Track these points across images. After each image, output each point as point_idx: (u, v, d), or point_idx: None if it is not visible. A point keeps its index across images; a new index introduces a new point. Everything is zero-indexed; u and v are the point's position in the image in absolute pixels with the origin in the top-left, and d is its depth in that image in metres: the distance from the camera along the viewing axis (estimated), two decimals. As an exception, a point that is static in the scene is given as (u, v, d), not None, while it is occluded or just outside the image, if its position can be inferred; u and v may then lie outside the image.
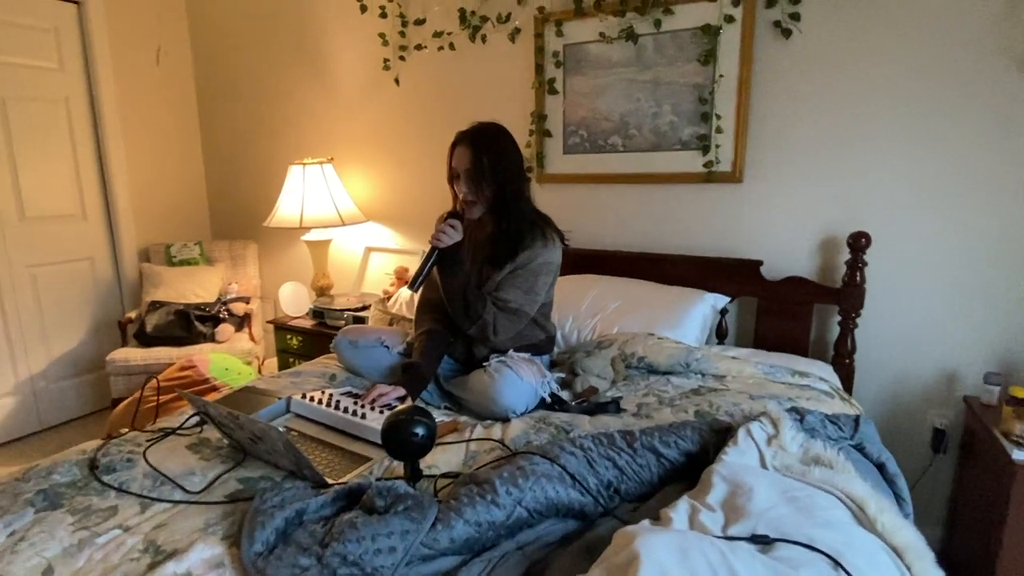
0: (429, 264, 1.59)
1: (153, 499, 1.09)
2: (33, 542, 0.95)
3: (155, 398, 2.48)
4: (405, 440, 1.09)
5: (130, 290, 3.18)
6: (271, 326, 2.89)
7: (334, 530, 0.91)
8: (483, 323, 1.61)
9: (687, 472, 1.14)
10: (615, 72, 2.25)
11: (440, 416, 1.48)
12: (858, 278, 1.90)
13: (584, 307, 2.09)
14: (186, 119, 3.39)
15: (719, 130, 2.08)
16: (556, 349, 2.04)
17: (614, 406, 1.53)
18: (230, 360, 2.63)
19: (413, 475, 1.17)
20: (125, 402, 2.54)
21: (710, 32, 2.03)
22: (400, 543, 0.89)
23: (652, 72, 2.18)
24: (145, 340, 2.79)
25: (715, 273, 2.14)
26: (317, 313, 2.70)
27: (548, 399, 1.56)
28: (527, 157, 2.45)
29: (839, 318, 1.95)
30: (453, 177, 1.64)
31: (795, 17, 1.92)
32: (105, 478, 1.15)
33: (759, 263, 2.07)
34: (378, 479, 1.21)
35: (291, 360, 2.75)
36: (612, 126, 2.29)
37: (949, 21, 1.75)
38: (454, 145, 1.63)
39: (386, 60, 2.71)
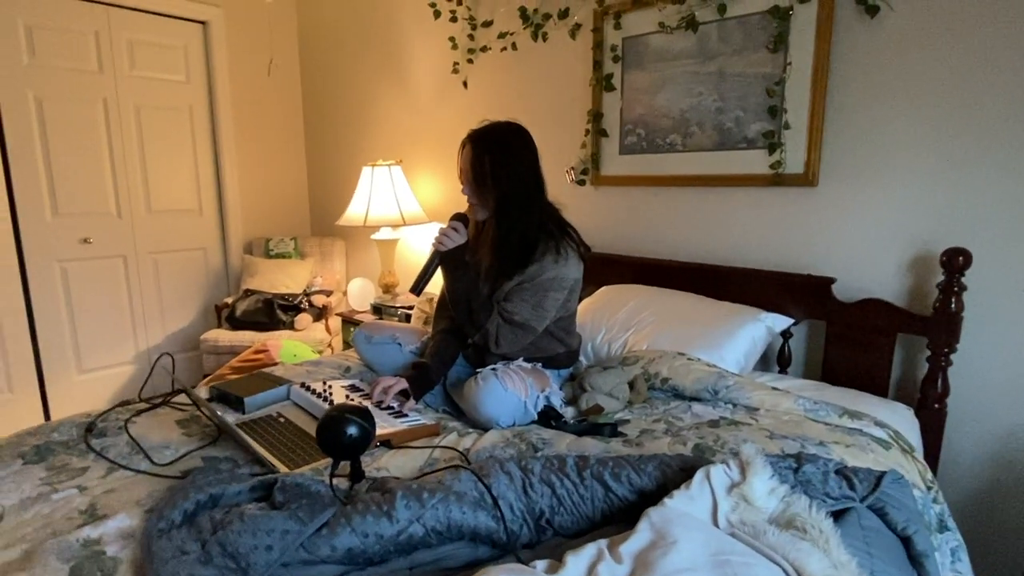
0: (431, 268, 1.55)
1: (120, 465, 1.17)
2: (1, 489, 1.06)
3: (227, 374, 2.73)
4: (336, 438, 1.06)
5: (235, 278, 3.54)
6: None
7: (226, 519, 0.90)
8: (485, 333, 1.54)
9: (639, 512, 0.97)
10: (675, 65, 2.06)
11: (423, 419, 1.43)
12: (953, 305, 1.54)
13: (618, 319, 1.93)
14: (292, 124, 3.70)
15: (787, 126, 1.81)
16: (584, 362, 1.91)
17: (610, 429, 1.38)
18: (300, 347, 2.81)
19: (354, 475, 1.13)
20: (207, 378, 2.82)
21: (779, 14, 1.77)
22: (278, 543, 0.85)
23: (716, 63, 1.96)
24: (234, 323, 3.08)
25: (778, 290, 1.86)
26: (376, 309, 2.79)
27: (535, 415, 1.45)
28: (582, 158, 2.35)
29: (928, 353, 1.60)
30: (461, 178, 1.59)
31: (885, -10, 1.61)
32: (93, 441, 1.25)
33: (831, 281, 1.77)
34: (332, 475, 1.20)
35: (353, 352, 2.87)
36: (671, 123, 2.10)
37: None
38: (463, 144, 1.57)
39: (455, 64, 2.74)
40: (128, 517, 0.98)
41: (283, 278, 3.32)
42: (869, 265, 1.74)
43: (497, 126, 1.56)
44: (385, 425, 1.35)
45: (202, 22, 3.25)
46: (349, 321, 2.90)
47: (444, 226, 1.56)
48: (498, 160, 1.51)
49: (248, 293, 3.20)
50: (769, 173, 1.87)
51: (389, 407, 1.49)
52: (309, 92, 3.66)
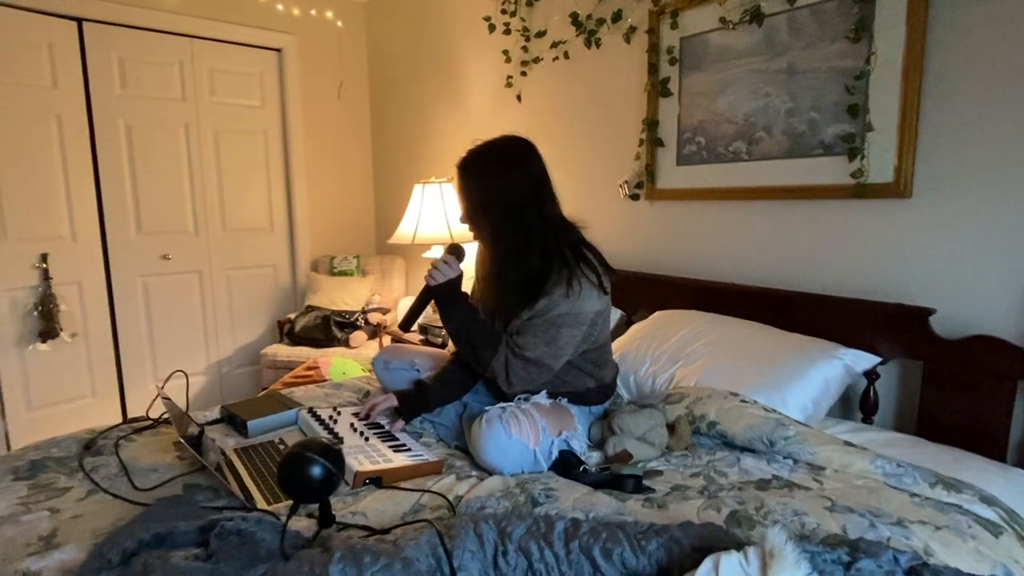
0: (422, 303, 1.41)
1: (101, 488, 1.13)
2: (-21, 507, 1.04)
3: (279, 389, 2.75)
4: (298, 479, 0.94)
5: (302, 295, 3.63)
6: (393, 338, 3.00)
7: (153, 565, 0.81)
8: (492, 372, 1.37)
9: (632, 603, 0.77)
10: (739, 64, 1.82)
11: (427, 454, 1.29)
12: (1098, 348, 1.19)
13: (667, 350, 1.70)
14: (360, 145, 3.78)
15: (870, 127, 1.53)
16: (625, 396, 1.70)
17: (633, 483, 1.17)
18: (349, 365, 2.79)
19: (322, 520, 1.01)
20: (262, 393, 2.86)
21: (861, -3, 1.51)
22: (194, 602, 0.74)
23: (785, 59, 1.71)
24: (293, 339, 3.13)
25: (861, 321, 1.56)
26: (423, 329, 2.72)
27: (545, 467, 1.27)
28: (636, 171, 2.15)
29: (1063, 408, 1.25)
30: None
31: (997, -44, 1.31)
32: (88, 459, 1.23)
33: (928, 312, 1.45)
34: (286, 521, 1.08)
35: (401, 373, 2.80)
36: (735, 129, 1.86)
37: None
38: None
39: (509, 77, 2.64)
40: (76, 549, 0.92)
41: (343, 295, 3.35)
42: (979, 294, 1.41)
43: (487, 146, 1.39)
44: (378, 460, 1.23)
45: (277, 49, 3.39)
46: (397, 340, 2.85)
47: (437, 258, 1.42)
48: (485, 185, 1.35)
49: (309, 309, 3.26)
50: (850, 183, 1.59)
51: (389, 436, 1.37)
52: (377, 113, 3.72)
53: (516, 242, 1.33)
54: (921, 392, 1.47)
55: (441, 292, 1.37)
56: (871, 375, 1.55)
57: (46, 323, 2.77)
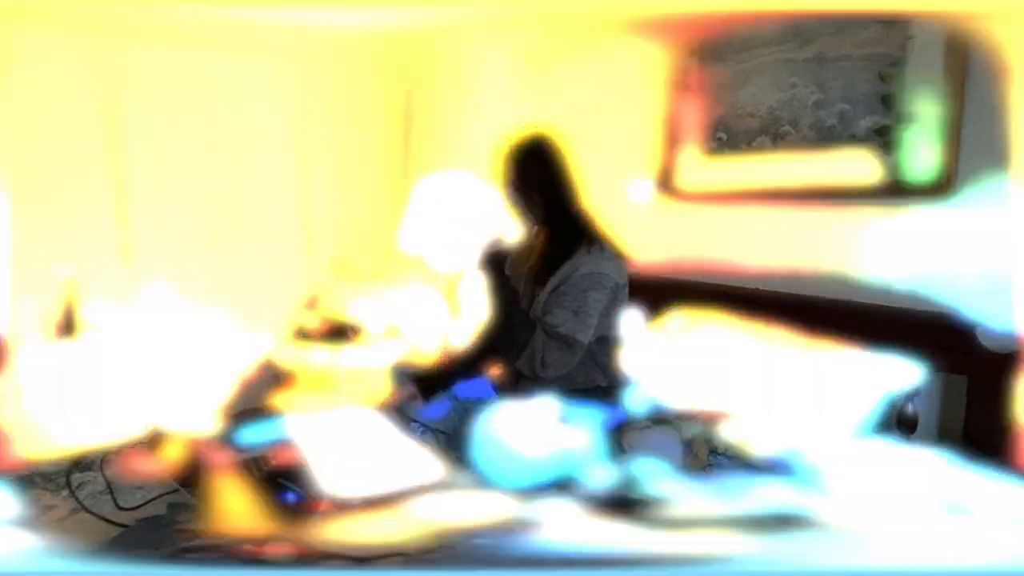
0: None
1: (83, 507, 1.09)
2: (-48, 527, 1.02)
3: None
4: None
5: (319, 297, 3.62)
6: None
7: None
8: (531, 353, 1.40)
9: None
10: (763, 53, 1.71)
11: (418, 472, 1.23)
12: None
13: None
14: (378, 145, 3.75)
15: (908, 118, 1.40)
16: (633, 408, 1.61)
17: (636, 508, 1.08)
18: (362, 369, 2.76)
19: (298, 547, 0.95)
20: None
21: (898, -25, 1.38)
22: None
23: (814, 46, 1.59)
24: (308, 342, 3.12)
25: (899, 332, 1.42)
26: (437, 333, 2.67)
27: (544, 478, 1.19)
28: (651, 171, 2.05)
29: None
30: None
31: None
32: (76, 474, 1.20)
33: (975, 323, 1.31)
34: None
35: (416, 377, 2.76)
36: (758, 124, 1.74)
37: None
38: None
39: (521, 70, 2.56)
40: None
41: (358, 298, 3.33)
42: (1033, 303, 1.26)
43: (528, 133, 1.51)
44: (362, 478, 1.17)
45: (293, 51, 3.38)
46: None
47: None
48: (525, 165, 1.48)
49: (323, 312, 3.24)
50: (885, 181, 1.46)
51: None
52: (393, 112, 3.68)
53: (547, 211, 1.47)
54: (966, 410, 1.34)
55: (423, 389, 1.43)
56: (910, 391, 1.42)
57: (67, 325, 2.82)
